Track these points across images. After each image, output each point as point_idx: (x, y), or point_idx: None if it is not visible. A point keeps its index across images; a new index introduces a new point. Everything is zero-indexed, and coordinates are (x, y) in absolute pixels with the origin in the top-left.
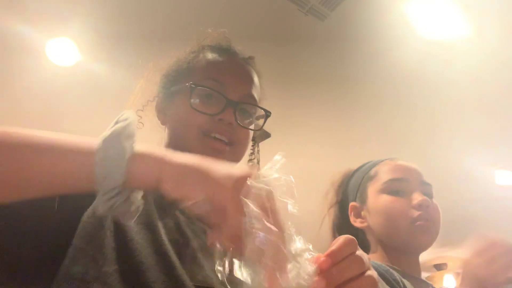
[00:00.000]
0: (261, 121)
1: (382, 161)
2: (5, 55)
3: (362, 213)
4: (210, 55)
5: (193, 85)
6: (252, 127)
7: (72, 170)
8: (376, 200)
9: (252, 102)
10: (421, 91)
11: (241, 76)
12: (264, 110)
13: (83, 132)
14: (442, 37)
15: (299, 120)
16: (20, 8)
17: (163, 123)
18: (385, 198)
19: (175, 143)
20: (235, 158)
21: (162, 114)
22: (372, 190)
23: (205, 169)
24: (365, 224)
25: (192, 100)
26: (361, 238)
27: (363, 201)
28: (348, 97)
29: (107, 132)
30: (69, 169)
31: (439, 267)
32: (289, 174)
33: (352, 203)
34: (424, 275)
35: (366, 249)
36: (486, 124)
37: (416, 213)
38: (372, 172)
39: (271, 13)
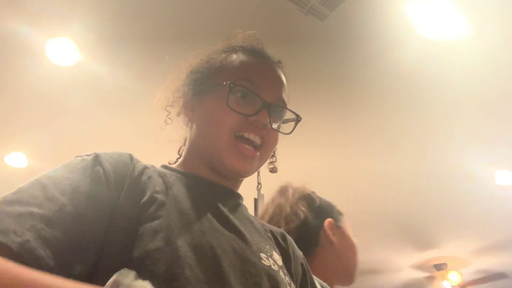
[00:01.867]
0: (288, 125)
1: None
2: (5, 55)
3: (336, 233)
4: (244, 56)
5: (231, 85)
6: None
7: None
8: (351, 235)
9: (284, 105)
10: (421, 91)
11: (274, 79)
12: (296, 114)
13: (83, 132)
14: (442, 37)
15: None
16: (20, 8)
17: (190, 120)
18: (353, 239)
19: (203, 143)
20: (261, 162)
21: (190, 111)
22: (346, 225)
23: None
24: (335, 241)
25: (229, 99)
26: (309, 241)
27: (339, 225)
28: (348, 97)
29: None
30: None
31: (439, 267)
32: (291, 174)
33: (331, 220)
34: (424, 275)
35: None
36: (486, 124)
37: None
38: (340, 210)
39: (271, 13)
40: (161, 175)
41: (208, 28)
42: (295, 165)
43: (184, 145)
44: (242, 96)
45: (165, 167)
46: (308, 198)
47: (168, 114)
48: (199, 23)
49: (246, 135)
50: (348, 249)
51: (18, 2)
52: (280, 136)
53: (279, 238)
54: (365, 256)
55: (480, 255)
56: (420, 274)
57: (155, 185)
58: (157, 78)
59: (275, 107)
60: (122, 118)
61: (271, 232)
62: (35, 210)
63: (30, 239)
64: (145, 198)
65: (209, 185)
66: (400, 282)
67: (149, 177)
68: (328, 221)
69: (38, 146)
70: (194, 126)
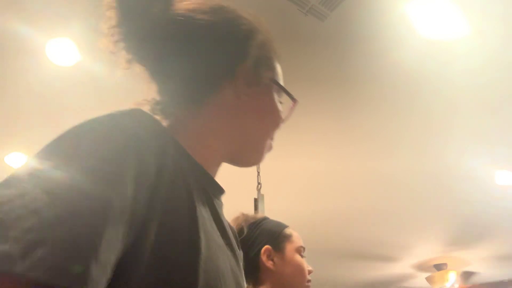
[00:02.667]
0: None
1: (286, 226)
2: (5, 55)
3: (275, 258)
4: (279, 64)
5: (294, 100)
6: None
7: None
8: (293, 257)
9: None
10: (421, 91)
11: None
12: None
13: None
14: (442, 37)
15: (298, 120)
16: (20, 8)
17: (237, 98)
18: (299, 259)
19: (245, 134)
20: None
21: (243, 92)
22: (290, 247)
23: None
24: (272, 267)
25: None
26: (251, 271)
27: (279, 250)
28: (347, 97)
29: None
30: None
31: (439, 267)
32: (291, 174)
33: (268, 246)
34: (424, 275)
35: (255, 281)
36: (486, 124)
37: (308, 277)
38: (287, 232)
39: (271, 13)
40: (181, 173)
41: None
42: (294, 165)
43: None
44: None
45: (178, 147)
46: (250, 226)
47: None
48: None
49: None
50: (290, 272)
51: (18, 2)
52: (279, 136)
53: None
54: (364, 255)
55: (480, 255)
56: (420, 274)
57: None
58: None
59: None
60: None
61: (234, 233)
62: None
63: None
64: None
65: (211, 182)
66: (400, 282)
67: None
68: (264, 248)
69: (38, 146)
70: (238, 109)
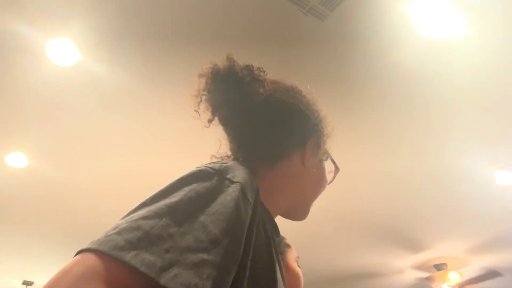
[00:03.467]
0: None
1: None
2: (5, 55)
3: None
4: (328, 126)
5: (337, 169)
6: None
7: None
8: (294, 266)
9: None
10: (421, 91)
11: None
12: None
13: (83, 132)
14: (442, 37)
15: None
16: (20, 8)
17: (303, 165)
18: (298, 269)
19: (302, 195)
20: None
21: (307, 160)
22: (291, 256)
23: None
24: None
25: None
26: None
27: (283, 259)
28: (347, 97)
29: None
30: None
31: (439, 267)
32: None
33: None
34: (424, 275)
35: None
36: (486, 124)
37: None
38: (287, 241)
39: (271, 13)
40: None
41: (208, 28)
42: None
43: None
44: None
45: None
46: None
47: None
48: (199, 23)
49: None
50: (292, 282)
51: (18, 2)
52: None
53: None
54: (365, 256)
55: (480, 255)
56: (420, 274)
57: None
58: (157, 78)
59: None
60: (122, 118)
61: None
62: (205, 257)
63: None
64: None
65: (276, 229)
66: (400, 283)
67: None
68: None
69: (38, 146)
70: (301, 174)
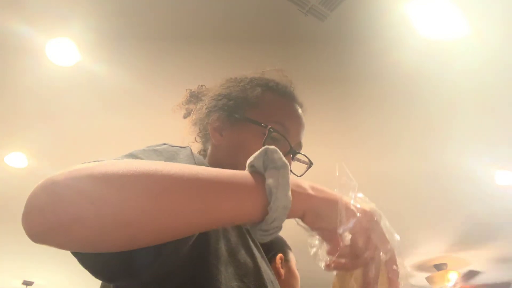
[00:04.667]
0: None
1: None
2: (5, 55)
3: (285, 268)
4: (279, 99)
5: (271, 129)
6: None
7: (234, 212)
8: (295, 269)
9: (301, 150)
10: (421, 91)
11: (301, 126)
12: (310, 161)
13: (83, 132)
14: (442, 37)
15: None
16: (20, 8)
17: (216, 141)
18: (297, 273)
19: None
20: None
21: (218, 134)
22: (293, 260)
23: (344, 204)
24: (283, 277)
25: (265, 142)
26: None
27: (287, 261)
28: (347, 97)
29: (271, 172)
30: (229, 210)
31: (439, 267)
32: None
33: (281, 255)
34: (424, 275)
35: None
36: (486, 124)
37: None
38: (288, 245)
39: (271, 13)
40: None
41: (208, 28)
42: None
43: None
44: (274, 139)
45: None
46: None
47: (198, 132)
48: (199, 23)
49: None
50: (293, 284)
51: (18, 2)
52: None
53: None
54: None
55: (480, 255)
56: (420, 274)
57: None
58: (157, 78)
59: (296, 153)
60: (122, 118)
61: None
62: None
63: None
64: None
65: None
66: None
67: None
68: (279, 256)
69: (38, 146)
70: (221, 148)
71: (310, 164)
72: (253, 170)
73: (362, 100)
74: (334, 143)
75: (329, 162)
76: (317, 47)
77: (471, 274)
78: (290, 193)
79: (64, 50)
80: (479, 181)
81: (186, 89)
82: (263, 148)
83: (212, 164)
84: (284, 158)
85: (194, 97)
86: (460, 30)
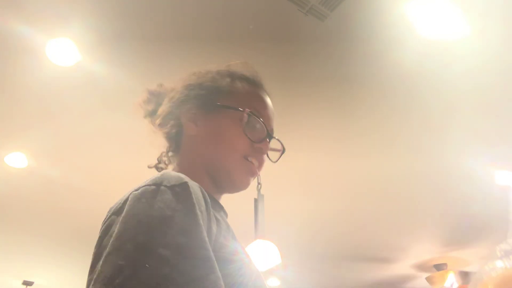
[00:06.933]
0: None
1: None
2: (5, 55)
3: None
4: (251, 87)
5: (249, 113)
6: None
7: None
8: None
9: (274, 135)
10: (421, 91)
11: (272, 112)
12: (283, 146)
13: (83, 132)
14: (442, 37)
15: (298, 120)
16: (20, 8)
17: (191, 132)
18: None
19: (211, 158)
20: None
21: (193, 124)
22: None
23: None
24: None
25: (245, 127)
26: None
27: None
28: (347, 97)
29: None
30: None
31: (439, 267)
32: (291, 173)
33: None
34: (424, 275)
35: None
36: (486, 124)
37: None
38: None
39: (271, 13)
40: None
41: (208, 28)
42: (294, 166)
43: (168, 152)
44: (253, 124)
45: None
46: None
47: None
48: (199, 23)
49: (249, 158)
50: None
51: (18, 2)
52: (279, 136)
53: None
54: (364, 256)
55: (480, 255)
56: (420, 274)
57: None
58: (157, 78)
59: (272, 138)
60: (122, 118)
61: None
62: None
63: None
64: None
65: (219, 205)
66: (400, 283)
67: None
68: None
69: (38, 146)
70: (197, 139)
71: (283, 150)
72: None
73: (362, 100)
74: (334, 144)
75: (329, 163)
76: (317, 47)
77: (471, 274)
78: None
79: (64, 50)
80: (479, 181)
81: (145, 88)
82: None
83: (188, 157)
84: None
85: (154, 96)
86: (460, 30)
